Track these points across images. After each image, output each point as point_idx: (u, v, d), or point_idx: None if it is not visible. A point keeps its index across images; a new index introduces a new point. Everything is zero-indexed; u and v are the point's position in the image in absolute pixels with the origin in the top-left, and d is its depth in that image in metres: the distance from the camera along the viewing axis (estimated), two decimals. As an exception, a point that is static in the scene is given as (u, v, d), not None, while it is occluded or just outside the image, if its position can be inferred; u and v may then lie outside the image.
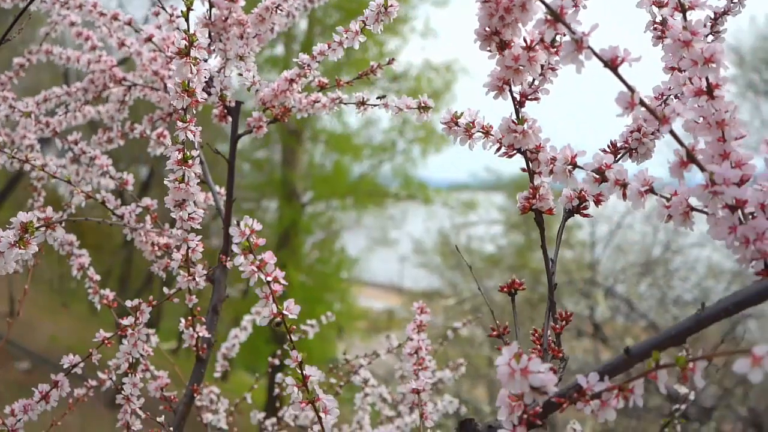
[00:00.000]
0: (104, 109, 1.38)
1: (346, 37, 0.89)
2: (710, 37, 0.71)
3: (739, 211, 0.53)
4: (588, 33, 0.50)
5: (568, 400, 0.53)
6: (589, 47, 0.50)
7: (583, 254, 7.58)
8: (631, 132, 0.69)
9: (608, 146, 0.70)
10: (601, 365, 0.53)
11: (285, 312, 0.64)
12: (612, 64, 0.51)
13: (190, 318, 0.97)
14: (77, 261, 1.12)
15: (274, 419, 1.40)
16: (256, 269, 0.62)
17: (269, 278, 0.63)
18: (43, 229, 0.68)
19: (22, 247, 0.68)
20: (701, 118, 0.54)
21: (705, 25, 0.57)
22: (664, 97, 0.69)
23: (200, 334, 0.98)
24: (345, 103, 0.97)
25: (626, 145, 0.69)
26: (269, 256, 0.63)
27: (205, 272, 0.91)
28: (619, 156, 0.69)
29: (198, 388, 1.01)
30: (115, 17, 1.12)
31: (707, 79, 0.54)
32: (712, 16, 0.71)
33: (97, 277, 1.11)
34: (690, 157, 0.51)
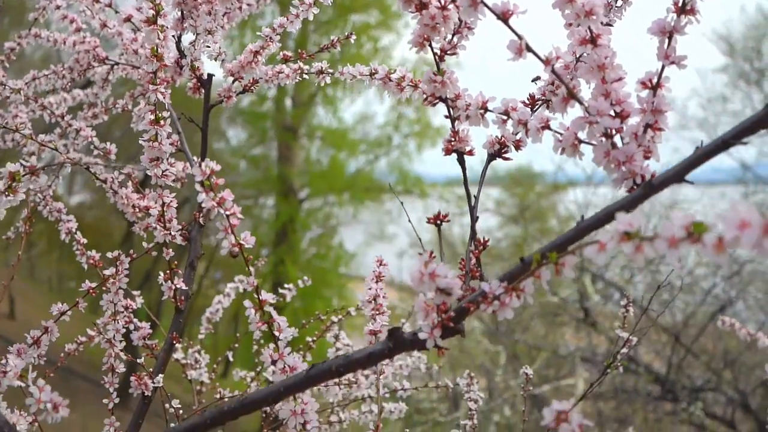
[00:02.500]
0: (92, 91, 1.47)
1: (302, 10, 0.98)
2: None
3: (618, 139, 0.62)
4: (482, -10, 0.60)
5: (475, 304, 0.62)
6: (482, 2, 0.60)
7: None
8: (547, 85, 0.78)
9: (527, 98, 0.79)
10: (502, 274, 0.62)
11: (242, 242, 0.73)
12: (504, 16, 0.60)
13: (168, 271, 1.06)
14: (65, 226, 1.21)
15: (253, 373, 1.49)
16: (216, 204, 0.72)
17: (228, 212, 0.72)
18: (28, 176, 0.78)
19: (10, 193, 0.78)
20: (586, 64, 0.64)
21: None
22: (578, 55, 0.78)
23: (178, 287, 1.07)
24: (306, 73, 1.07)
25: (543, 97, 0.78)
26: (227, 194, 0.72)
27: (179, 227, 1.01)
28: (537, 106, 0.79)
29: (177, 336, 1.11)
30: (96, 0, 1.21)
31: (590, 29, 0.63)
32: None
33: (84, 240, 1.20)
34: (570, 94, 0.61)
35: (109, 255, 0.98)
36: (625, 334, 1.15)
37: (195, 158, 1.22)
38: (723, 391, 5.91)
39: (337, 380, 1.25)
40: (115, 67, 1.31)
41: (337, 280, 11.27)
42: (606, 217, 0.58)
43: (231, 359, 1.53)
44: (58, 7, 1.30)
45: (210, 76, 1.10)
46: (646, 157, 0.61)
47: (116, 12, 1.20)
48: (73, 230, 1.22)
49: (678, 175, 0.57)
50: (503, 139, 0.76)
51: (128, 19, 1.16)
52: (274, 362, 0.74)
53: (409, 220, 1.02)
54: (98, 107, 1.31)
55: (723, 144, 0.56)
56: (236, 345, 1.57)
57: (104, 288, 1.06)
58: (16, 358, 0.74)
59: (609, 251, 0.49)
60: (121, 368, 1.05)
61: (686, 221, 0.43)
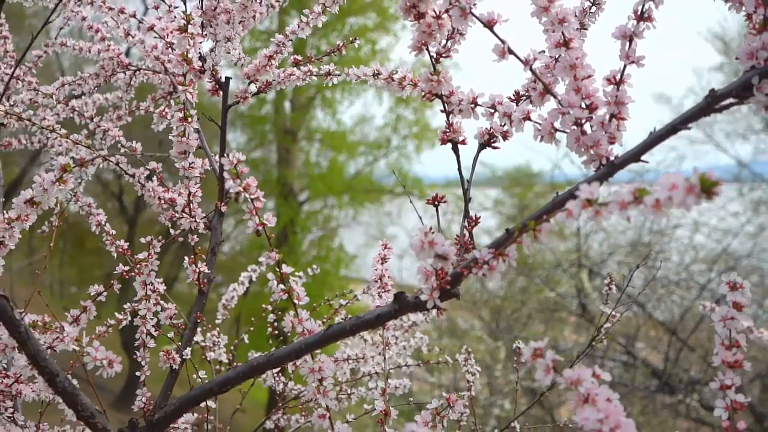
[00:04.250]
0: (111, 96, 1.59)
1: (312, 18, 1.10)
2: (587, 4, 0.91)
3: (588, 127, 0.73)
4: (470, 3, 0.71)
5: (468, 269, 0.73)
6: (471, 13, 0.71)
7: (576, 244, 7.79)
8: (529, 83, 0.89)
9: (513, 94, 0.90)
10: (490, 242, 0.73)
11: (265, 222, 0.84)
12: (489, 24, 0.72)
13: (192, 256, 1.17)
14: (95, 219, 1.32)
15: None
16: (242, 189, 0.83)
17: (253, 196, 0.83)
18: (78, 168, 0.89)
19: (61, 183, 0.89)
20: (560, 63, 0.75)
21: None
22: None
23: (201, 270, 1.18)
24: (315, 75, 1.18)
25: (526, 93, 0.89)
26: (252, 180, 0.83)
27: (204, 215, 1.12)
28: (521, 101, 0.90)
29: (201, 315, 1.22)
30: (121, 11, 1.32)
31: (563, 34, 0.74)
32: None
33: (113, 231, 1.31)
34: (546, 90, 0.72)
35: (143, 240, 1.09)
36: (608, 310, 1.26)
37: (213, 154, 1.33)
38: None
39: (347, 357, 1.36)
40: (137, 72, 1.42)
41: (338, 282, 11.36)
42: (575, 191, 0.69)
43: (246, 341, 1.65)
44: (84, 18, 1.41)
45: (227, 78, 1.21)
46: (611, 142, 0.72)
47: (140, 22, 1.31)
48: (103, 222, 1.33)
49: (635, 155, 0.68)
50: (492, 130, 0.87)
51: (151, 28, 1.28)
52: (294, 326, 0.85)
53: (419, 216, 1.12)
54: (122, 109, 1.42)
55: (672, 129, 0.67)
56: (251, 329, 1.69)
57: (136, 271, 1.17)
58: (69, 326, 0.85)
59: (575, 215, 0.60)
60: (151, 344, 1.16)
61: (633, 188, 0.54)
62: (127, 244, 1.27)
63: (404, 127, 12.07)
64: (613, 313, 1.27)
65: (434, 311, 0.78)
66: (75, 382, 0.90)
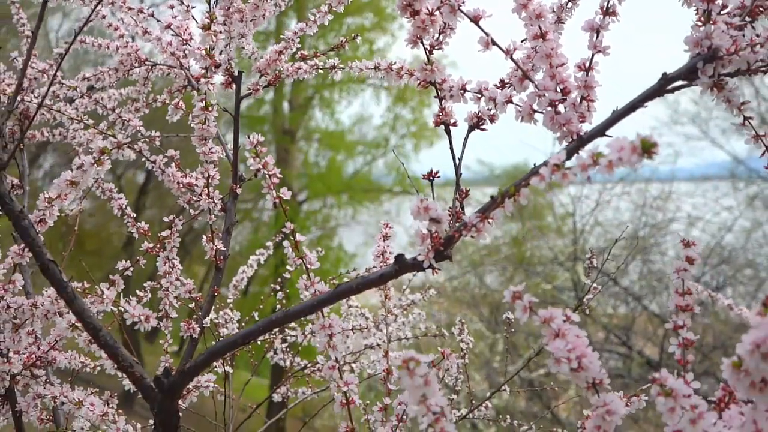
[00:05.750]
0: (126, 90, 1.70)
1: (319, 17, 1.21)
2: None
3: (561, 108, 0.85)
4: (459, 1, 0.82)
5: (459, 232, 0.85)
6: (459, 9, 0.82)
7: (573, 239, 7.91)
8: (512, 71, 1.01)
9: (499, 81, 1.01)
10: (475, 210, 0.85)
11: (281, 195, 0.96)
12: (475, 19, 0.83)
13: (210, 234, 1.29)
14: (117, 203, 1.44)
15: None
16: (261, 167, 0.94)
17: (270, 173, 0.95)
18: (115, 150, 1.00)
19: (99, 165, 1.00)
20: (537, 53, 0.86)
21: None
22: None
23: (218, 248, 1.30)
24: (321, 69, 1.29)
25: (509, 80, 1.01)
26: (270, 159, 0.95)
27: (221, 196, 1.23)
28: (505, 87, 1.01)
29: (217, 289, 1.33)
30: (140, 11, 1.44)
31: (540, 27, 0.85)
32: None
33: (134, 214, 1.43)
34: (524, 76, 0.84)
35: (166, 219, 1.21)
36: (588, 282, 1.37)
37: (227, 142, 1.44)
38: (713, 373, 6.15)
39: (352, 327, 1.47)
40: (154, 67, 1.53)
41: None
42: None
43: (257, 319, 1.75)
44: (104, 17, 1.52)
45: (240, 72, 1.32)
46: (581, 121, 0.83)
47: (158, 21, 1.42)
48: (124, 206, 1.44)
49: (600, 131, 0.79)
50: (480, 113, 0.98)
51: (169, 26, 1.39)
52: (306, 288, 0.96)
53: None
54: (140, 102, 1.53)
55: (632, 107, 0.78)
56: (261, 306, 1.80)
57: (157, 249, 1.28)
58: (108, 290, 0.96)
59: (546, 178, 0.71)
60: (173, 315, 1.27)
61: (591, 153, 0.66)
62: (147, 226, 1.38)
63: (402, 127, 12.19)
64: (594, 285, 1.38)
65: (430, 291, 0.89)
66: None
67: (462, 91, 0.92)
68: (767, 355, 0.55)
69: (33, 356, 1.16)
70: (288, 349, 1.69)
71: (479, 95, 0.91)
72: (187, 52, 1.35)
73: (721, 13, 0.79)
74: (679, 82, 0.77)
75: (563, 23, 0.99)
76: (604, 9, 0.85)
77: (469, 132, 1.00)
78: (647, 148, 0.59)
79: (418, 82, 0.93)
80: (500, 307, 7.96)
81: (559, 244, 8.16)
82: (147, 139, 1.40)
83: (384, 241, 1.28)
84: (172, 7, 1.46)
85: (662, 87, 0.77)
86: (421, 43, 0.92)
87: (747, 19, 0.80)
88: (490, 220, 0.82)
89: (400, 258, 0.90)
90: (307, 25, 1.23)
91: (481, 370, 7.33)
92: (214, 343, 0.98)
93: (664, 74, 0.77)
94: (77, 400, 1.04)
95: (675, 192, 8.48)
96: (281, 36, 1.25)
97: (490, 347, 7.28)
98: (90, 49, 1.59)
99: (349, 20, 11.10)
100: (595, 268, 1.48)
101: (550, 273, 7.38)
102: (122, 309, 0.93)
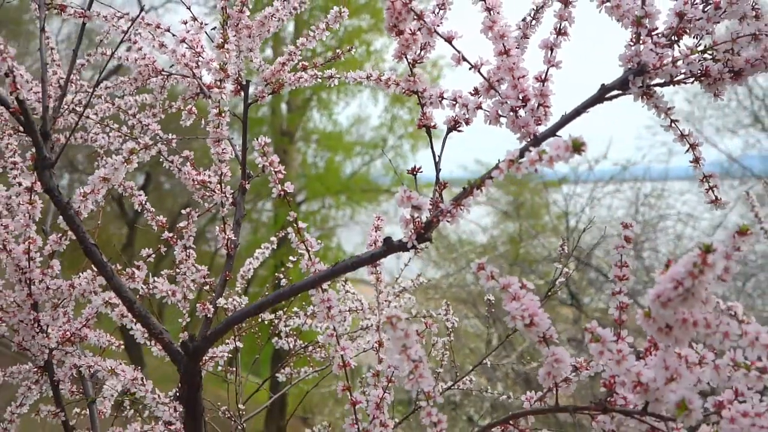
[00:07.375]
0: (140, 97, 1.86)
1: (318, 32, 1.38)
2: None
3: (522, 113, 1.01)
4: (435, 23, 0.99)
5: (437, 218, 1.01)
6: (435, 31, 0.99)
7: (566, 238, 8.06)
8: (482, 82, 1.17)
9: (473, 89, 1.18)
10: (452, 197, 1.01)
11: (285, 188, 1.12)
12: (448, 39, 1.00)
13: (222, 225, 1.45)
14: (137, 199, 1.60)
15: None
16: (268, 165, 1.11)
17: (276, 169, 1.11)
18: (143, 150, 1.16)
19: (128, 163, 1.16)
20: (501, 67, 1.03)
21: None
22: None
23: (230, 237, 1.46)
24: (321, 78, 1.46)
25: (480, 90, 1.17)
26: (275, 157, 1.11)
27: (232, 191, 1.40)
28: (478, 95, 1.17)
29: (229, 274, 1.49)
30: (157, 26, 1.60)
31: (503, 45, 1.02)
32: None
33: (153, 210, 1.59)
34: (490, 86, 1.00)
35: (183, 212, 1.37)
36: (560, 266, 1.54)
37: (237, 145, 1.61)
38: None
39: (349, 308, 1.64)
40: (170, 77, 1.69)
41: (337, 282, 11.54)
42: (512, 159, 0.97)
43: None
44: (124, 32, 1.69)
45: (248, 81, 1.49)
46: (538, 124, 1.00)
47: (173, 35, 1.58)
48: (144, 202, 1.60)
49: (551, 132, 0.96)
50: (456, 117, 1.15)
51: (183, 41, 1.55)
52: (308, 267, 1.13)
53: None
54: (157, 108, 1.70)
55: (576, 112, 0.95)
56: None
57: (173, 240, 1.45)
58: (138, 270, 1.12)
59: (504, 170, 0.88)
60: (190, 296, 1.43)
61: (538, 150, 0.82)
62: (165, 219, 1.55)
63: (400, 127, 12.35)
64: (566, 269, 1.54)
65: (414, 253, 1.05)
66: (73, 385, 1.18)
67: (440, 99, 1.09)
68: (665, 304, 0.71)
69: (67, 333, 1.33)
70: (291, 333, 1.86)
71: (454, 102, 1.07)
72: (199, 62, 1.52)
73: (653, 33, 0.96)
74: (615, 92, 0.94)
75: (528, 38, 1.15)
76: (557, 30, 1.01)
77: (447, 133, 1.17)
78: (577, 147, 0.76)
79: (403, 90, 1.10)
80: (496, 303, 8.12)
81: (554, 242, 8.34)
82: (165, 142, 1.56)
83: (376, 231, 1.45)
84: (185, 23, 1.63)
85: (601, 95, 0.94)
86: (406, 57, 1.08)
87: (674, 38, 0.96)
88: (462, 207, 0.98)
89: (387, 240, 1.06)
90: (307, 39, 1.40)
91: (478, 367, 7.48)
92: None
93: (603, 85, 0.94)
94: (110, 368, 1.20)
95: (668, 190, 8.66)
96: (278, 39, 1.41)
97: (486, 344, 7.44)
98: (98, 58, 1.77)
99: (346, 22, 11.25)
100: (563, 251, 1.63)
101: (544, 270, 7.55)
102: (152, 284, 1.09)
